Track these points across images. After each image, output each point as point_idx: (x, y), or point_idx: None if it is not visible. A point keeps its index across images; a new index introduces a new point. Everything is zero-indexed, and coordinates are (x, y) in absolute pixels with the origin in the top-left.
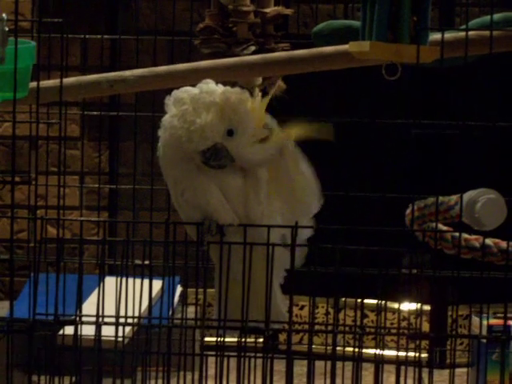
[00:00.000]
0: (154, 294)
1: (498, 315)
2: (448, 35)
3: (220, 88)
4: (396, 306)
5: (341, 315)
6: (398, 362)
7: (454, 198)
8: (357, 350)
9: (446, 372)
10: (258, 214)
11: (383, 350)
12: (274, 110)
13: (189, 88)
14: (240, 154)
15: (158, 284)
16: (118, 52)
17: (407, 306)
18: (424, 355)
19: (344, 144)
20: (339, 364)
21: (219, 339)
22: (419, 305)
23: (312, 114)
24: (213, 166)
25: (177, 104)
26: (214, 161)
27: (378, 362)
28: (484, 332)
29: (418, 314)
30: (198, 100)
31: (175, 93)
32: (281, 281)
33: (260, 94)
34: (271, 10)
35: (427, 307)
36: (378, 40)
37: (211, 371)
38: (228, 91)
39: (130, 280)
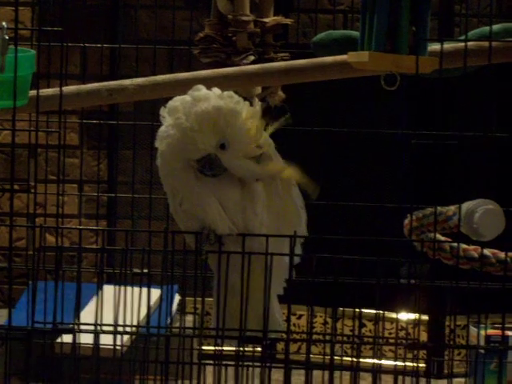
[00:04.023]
0: (152, 302)
1: (496, 325)
2: (447, 46)
3: (214, 93)
4: (394, 315)
5: (339, 325)
6: (395, 372)
7: (453, 208)
8: (355, 359)
9: (444, 382)
10: (256, 225)
11: (381, 359)
12: (273, 119)
13: (182, 97)
14: (233, 166)
15: (156, 293)
16: (117, 61)
17: (405, 316)
18: (422, 365)
19: (344, 154)
20: (337, 373)
21: (217, 348)
22: (417, 315)
23: (310, 123)
24: (208, 175)
25: (171, 113)
26: (208, 170)
27: (376, 371)
28: (482, 342)
29: (416, 323)
30: (190, 109)
31: (169, 103)
32: (280, 291)
33: (259, 103)
34: (271, 19)
35: (425, 317)
36: (377, 50)
37: (209, 380)
38: (221, 97)
39: (129, 288)
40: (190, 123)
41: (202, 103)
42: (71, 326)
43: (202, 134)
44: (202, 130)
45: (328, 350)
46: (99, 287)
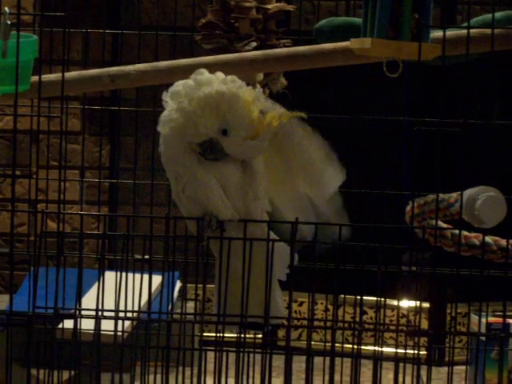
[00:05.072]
0: (153, 288)
1: (497, 313)
2: (449, 33)
3: (217, 77)
4: (395, 303)
5: (340, 312)
6: (396, 359)
7: (454, 195)
8: (356, 346)
9: (445, 369)
10: (258, 209)
11: (382, 346)
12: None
13: (184, 81)
14: (234, 152)
15: (157, 279)
16: (119, 47)
17: (406, 303)
18: (422, 352)
19: (345, 140)
20: (338, 360)
21: (218, 334)
22: (418, 302)
23: (313, 110)
24: (209, 159)
25: (174, 97)
26: (210, 154)
27: (377, 358)
28: (483, 330)
29: (417, 311)
30: (193, 93)
31: (172, 87)
32: (283, 277)
33: (261, 89)
34: (273, 6)
35: (426, 305)
36: (380, 37)
37: (210, 366)
38: (224, 81)
39: (130, 274)
40: (193, 107)
41: (205, 87)
42: (72, 311)
43: (204, 118)
44: (204, 114)
45: (329, 337)
46: (100, 273)
